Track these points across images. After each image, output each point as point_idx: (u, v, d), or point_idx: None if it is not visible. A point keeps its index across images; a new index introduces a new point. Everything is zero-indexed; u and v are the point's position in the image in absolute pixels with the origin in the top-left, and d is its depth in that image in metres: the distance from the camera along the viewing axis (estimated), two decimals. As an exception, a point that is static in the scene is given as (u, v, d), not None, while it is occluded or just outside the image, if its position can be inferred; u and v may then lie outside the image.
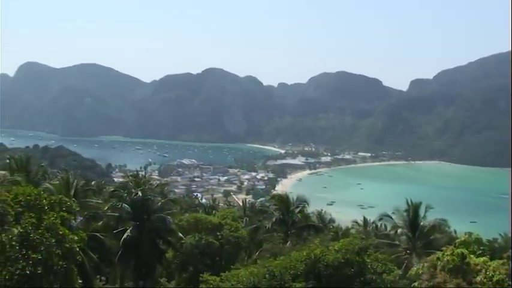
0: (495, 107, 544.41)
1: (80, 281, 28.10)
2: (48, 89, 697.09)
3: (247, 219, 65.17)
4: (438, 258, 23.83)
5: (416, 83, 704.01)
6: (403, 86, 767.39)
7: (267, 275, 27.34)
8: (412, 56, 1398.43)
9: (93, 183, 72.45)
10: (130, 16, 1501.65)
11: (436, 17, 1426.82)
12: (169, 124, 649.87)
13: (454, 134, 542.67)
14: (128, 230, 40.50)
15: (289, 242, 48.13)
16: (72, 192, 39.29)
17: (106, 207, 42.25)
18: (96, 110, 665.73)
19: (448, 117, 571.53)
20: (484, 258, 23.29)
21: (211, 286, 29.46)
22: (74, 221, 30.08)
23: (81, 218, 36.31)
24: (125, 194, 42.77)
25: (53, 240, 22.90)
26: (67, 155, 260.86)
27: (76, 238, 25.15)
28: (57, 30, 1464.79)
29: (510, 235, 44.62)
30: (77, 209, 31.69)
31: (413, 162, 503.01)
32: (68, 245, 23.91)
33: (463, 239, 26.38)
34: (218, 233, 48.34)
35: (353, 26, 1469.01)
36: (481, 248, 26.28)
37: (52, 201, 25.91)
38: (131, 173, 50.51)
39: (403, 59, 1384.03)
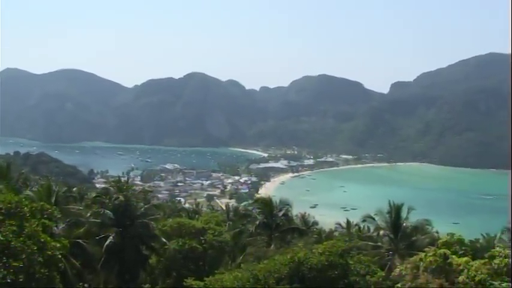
0: (475, 109, 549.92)
1: (63, 289, 27.85)
2: (28, 95, 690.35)
3: (231, 223, 65.14)
4: (421, 259, 23.98)
5: (397, 86, 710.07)
6: (384, 88, 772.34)
7: (251, 279, 27.35)
8: (393, 58, 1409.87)
9: (74, 189, 71.92)
10: (110, 21, 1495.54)
11: (416, 20, 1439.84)
12: (151, 129, 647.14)
13: (435, 135, 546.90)
14: (111, 236, 40.23)
15: (273, 246, 48.18)
16: (53, 199, 38.95)
17: (88, 214, 41.94)
18: (77, 115, 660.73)
19: (429, 119, 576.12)
20: (466, 258, 23.48)
21: (195, 291, 29.39)
22: (55, 228, 29.87)
23: (63, 225, 36.00)
24: (107, 200, 42.52)
25: (35, 248, 22.71)
26: (48, 161, 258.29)
27: (58, 245, 24.95)
28: (37, 36, 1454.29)
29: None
30: (59, 216, 31.45)
31: (395, 164, 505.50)
32: (49, 252, 23.72)
33: (445, 239, 26.59)
34: (202, 238, 48.17)
35: (334, 29, 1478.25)
36: (463, 248, 26.52)
37: (33, 209, 25.69)
38: (113, 179, 50.16)
39: (384, 61, 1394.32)
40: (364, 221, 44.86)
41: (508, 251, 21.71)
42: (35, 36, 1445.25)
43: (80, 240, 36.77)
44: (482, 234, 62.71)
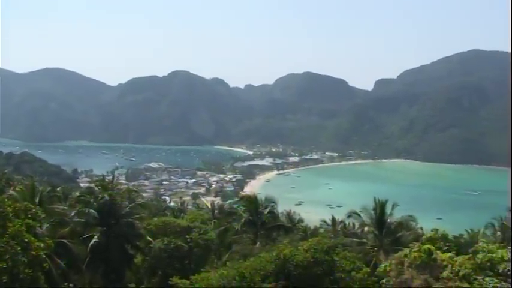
0: (459, 105, 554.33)
1: (47, 289, 27.65)
2: (11, 94, 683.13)
3: (216, 221, 65.00)
4: (405, 255, 24.08)
5: (381, 83, 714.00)
6: (368, 86, 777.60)
7: (236, 277, 27.31)
8: (377, 56, 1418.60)
9: (59, 189, 71.33)
10: (94, 19, 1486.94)
11: (400, 17, 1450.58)
12: (136, 127, 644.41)
13: (418, 132, 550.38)
14: (96, 236, 39.96)
15: (258, 243, 48.20)
16: (37, 199, 38.65)
17: (72, 213, 41.64)
18: (61, 114, 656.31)
19: (413, 116, 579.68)
20: (450, 253, 23.63)
21: (181, 289, 29.31)
22: (39, 228, 29.60)
23: (47, 225, 35.71)
24: (92, 200, 42.22)
25: (18, 248, 22.53)
26: (32, 161, 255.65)
27: (42, 245, 24.77)
28: (20, 34, 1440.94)
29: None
30: (43, 216, 31.19)
31: (379, 161, 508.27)
32: (34, 253, 23.54)
33: (429, 235, 26.74)
34: (187, 236, 48.01)
35: (318, 27, 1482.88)
36: (447, 244, 26.68)
37: (17, 209, 25.47)
38: (97, 178, 49.90)
39: (368, 59, 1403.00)
40: (349, 216, 44.97)
41: (491, 246, 21.90)
42: (18, 35, 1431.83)
43: (64, 240, 36.50)
44: (466, 230, 63.21)
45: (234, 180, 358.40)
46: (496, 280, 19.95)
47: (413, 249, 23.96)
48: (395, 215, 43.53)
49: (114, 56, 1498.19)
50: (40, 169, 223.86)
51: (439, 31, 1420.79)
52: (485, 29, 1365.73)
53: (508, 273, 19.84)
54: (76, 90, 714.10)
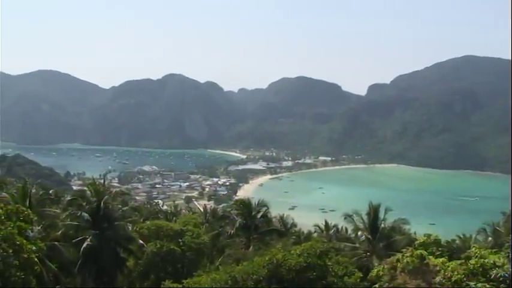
0: (451, 110, 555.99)
1: (39, 292, 27.51)
2: (4, 96, 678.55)
3: (209, 225, 64.91)
4: (398, 260, 24.15)
5: (374, 88, 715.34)
6: (362, 90, 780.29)
7: (229, 281, 27.31)
8: (370, 61, 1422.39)
9: (51, 191, 71.08)
10: (87, 21, 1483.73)
11: (393, 23, 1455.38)
12: (129, 130, 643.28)
13: (411, 137, 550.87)
14: (88, 239, 39.77)
15: (251, 247, 48.10)
16: (29, 202, 38.48)
17: (64, 216, 41.48)
18: (54, 117, 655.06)
19: (406, 121, 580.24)
20: (443, 259, 23.71)
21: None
22: (31, 231, 29.47)
23: (39, 228, 35.56)
24: (84, 202, 42.06)
25: (10, 251, 22.44)
26: (24, 163, 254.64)
27: (34, 248, 24.67)
28: (12, 36, 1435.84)
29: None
30: (35, 219, 31.07)
31: (372, 165, 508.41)
32: (25, 255, 23.44)
33: (422, 240, 26.83)
34: (180, 240, 47.91)
35: (312, 31, 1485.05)
36: (440, 249, 26.78)
37: (9, 211, 25.36)
38: (90, 181, 49.74)
39: (361, 64, 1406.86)
40: (345, 218, 44.97)
41: (483, 251, 21.96)
42: (11, 37, 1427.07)
43: (56, 243, 36.36)
44: (458, 235, 63.27)
45: (227, 184, 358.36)
46: (488, 286, 20.00)
47: (406, 254, 24.03)
48: (388, 220, 43.57)
49: (108, 58, 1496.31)
50: (32, 171, 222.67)
51: (432, 37, 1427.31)
52: (478, 35, 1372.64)
53: (501, 279, 19.87)
54: (69, 92, 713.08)
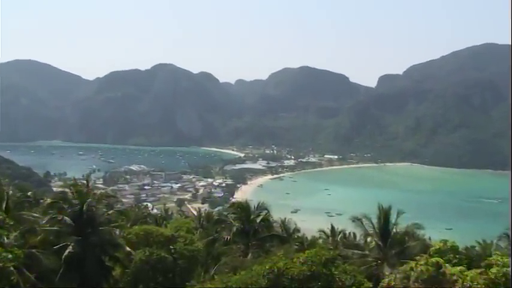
0: (470, 104, 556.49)
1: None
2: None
3: (203, 230, 64.92)
4: (411, 268, 24.11)
5: (385, 79, 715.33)
6: (372, 82, 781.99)
7: (225, 292, 27.28)
8: (381, 49, 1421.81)
9: (29, 194, 71.00)
10: (69, 6, 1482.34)
11: (406, 8, 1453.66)
12: (115, 126, 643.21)
13: (426, 133, 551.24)
14: (70, 246, 39.70)
15: (250, 255, 48.08)
16: (5, 205, 38.40)
17: (44, 221, 41.38)
18: (33, 111, 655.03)
19: (420, 115, 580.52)
20: (461, 267, 23.68)
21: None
22: (6, 237, 29.44)
23: (16, 234, 35.51)
24: (66, 206, 41.98)
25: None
26: (0, 162, 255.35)
27: (10, 256, 24.63)
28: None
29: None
30: (11, 224, 31.02)
31: (383, 164, 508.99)
32: (0, 264, 23.38)
33: (437, 247, 26.85)
34: (171, 247, 47.90)
35: (316, 16, 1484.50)
36: (458, 256, 26.79)
37: (-18, 216, 25.31)
38: (72, 182, 49.61)
39: (371, 52, 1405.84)
40: (353, 221, 44.90)
41: (506, 259, 21.93)
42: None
43: (34, 251, 36.28)
44: (478, 241, 63.19)
45: (223, 185, 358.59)
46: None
47: (420, 262, 23.99)
48: (400, 224, 43.49)
49: (92, 47, 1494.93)
50: (8, 171, 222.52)
51: (448, 23, 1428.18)
52: (499, 20, 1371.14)
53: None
54: (49, 84, 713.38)
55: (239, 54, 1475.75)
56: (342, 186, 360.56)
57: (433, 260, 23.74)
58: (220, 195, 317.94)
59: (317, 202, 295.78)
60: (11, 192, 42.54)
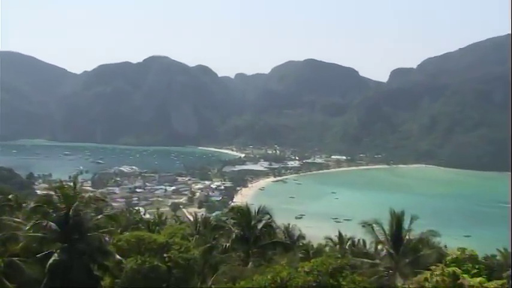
0: (490, 100, 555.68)
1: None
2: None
3: (200, 237, 64.99)
4: (426, 279, 24.14)
5: (397, 73, 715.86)
6: (383, 76, 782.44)
7: (224, 304, 27.33)
8: (393, 41, 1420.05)
9: (10, 197, 71.19)
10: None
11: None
12: (104, 124, 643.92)
13: (442, 132, 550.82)
14: (55, 253, 39.73)
15: (250, 264, 48.13)
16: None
17: (27, 227, 41.41)
18: (15, 107, 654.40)
19: (435, 113, 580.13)
20: (481, 278, 23.68)
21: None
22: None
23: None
24: (50, 210, 42.00)
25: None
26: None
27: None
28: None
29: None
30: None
31: (395, 166, 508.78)
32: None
33: (455, 255, 26.80)
34: (165, 255, 47.98)
35: (323, 5, 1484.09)
36: (477, 266, 26.71)
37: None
38: (57, 184, 49.67)
39: (382, 44, 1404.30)
40: (363, 226, 44.91)
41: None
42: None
43: (16, 259, 36.33)
44: (499, 250, 63.21)
45: (221, 188, 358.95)
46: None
47: (435, 272, 24.01)
48: (414, 231, 43.46)
49: (79, 38, 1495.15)
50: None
51: (468, 12, 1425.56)
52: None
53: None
54: (33, 78, 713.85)
55: (239, 46, 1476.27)
56: (350, 189, 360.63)
57: (450, 269, 23.75)
58: (218, 199, 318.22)
59: (323, 207, 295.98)
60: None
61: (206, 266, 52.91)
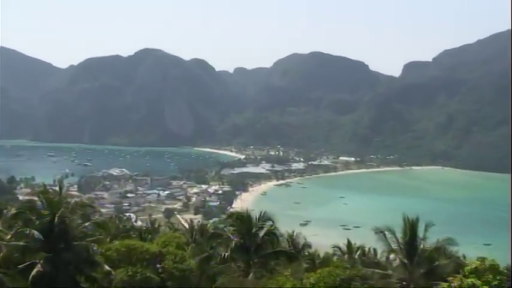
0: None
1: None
2: None
3: (196, 245, 65.02)
4: (443, 291, 24.12)
5: (411, 67, 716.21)
6: (395, 70, 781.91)
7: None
8: (407, 32, 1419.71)
9: (-10, 202, 71.43)
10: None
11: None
12: (92, 123, 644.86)
13: (459, 131, 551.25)
14: (39, 264, 39.77)
15: (251, 275, 48.15)
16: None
17: (8, 235, 41.44)
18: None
19: (452, 110, 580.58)
20: (502, 290, 23.67)
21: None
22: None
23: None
24: (34, 217, 42.04)
25: None
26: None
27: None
28: None
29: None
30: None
31: (409, 168, 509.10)
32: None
33: (474, 266, 26.75)
34: (158, 265, 48.02)
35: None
36: (498, 277, 26.68)
37: None
38: (41, 188, 49.74)
39: (395, 36, 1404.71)
40: (375, 233, 44.91)
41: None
42: None
43: (-4, 270, 36.38)
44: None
45: (219, 192, 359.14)
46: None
47: (453, 284, 23.97)
48: (429, 239, 43.44)
49: (65, 30, 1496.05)
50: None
51: (487, 1, 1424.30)
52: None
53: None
54: (14, 72, 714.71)
55: (239, 38, 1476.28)
56: (360, 193, 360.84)
57: (469, 281, 23.74)
58: (216, 204, 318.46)
59: (331, 212, 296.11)
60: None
61: (203, 278, 52.90)
